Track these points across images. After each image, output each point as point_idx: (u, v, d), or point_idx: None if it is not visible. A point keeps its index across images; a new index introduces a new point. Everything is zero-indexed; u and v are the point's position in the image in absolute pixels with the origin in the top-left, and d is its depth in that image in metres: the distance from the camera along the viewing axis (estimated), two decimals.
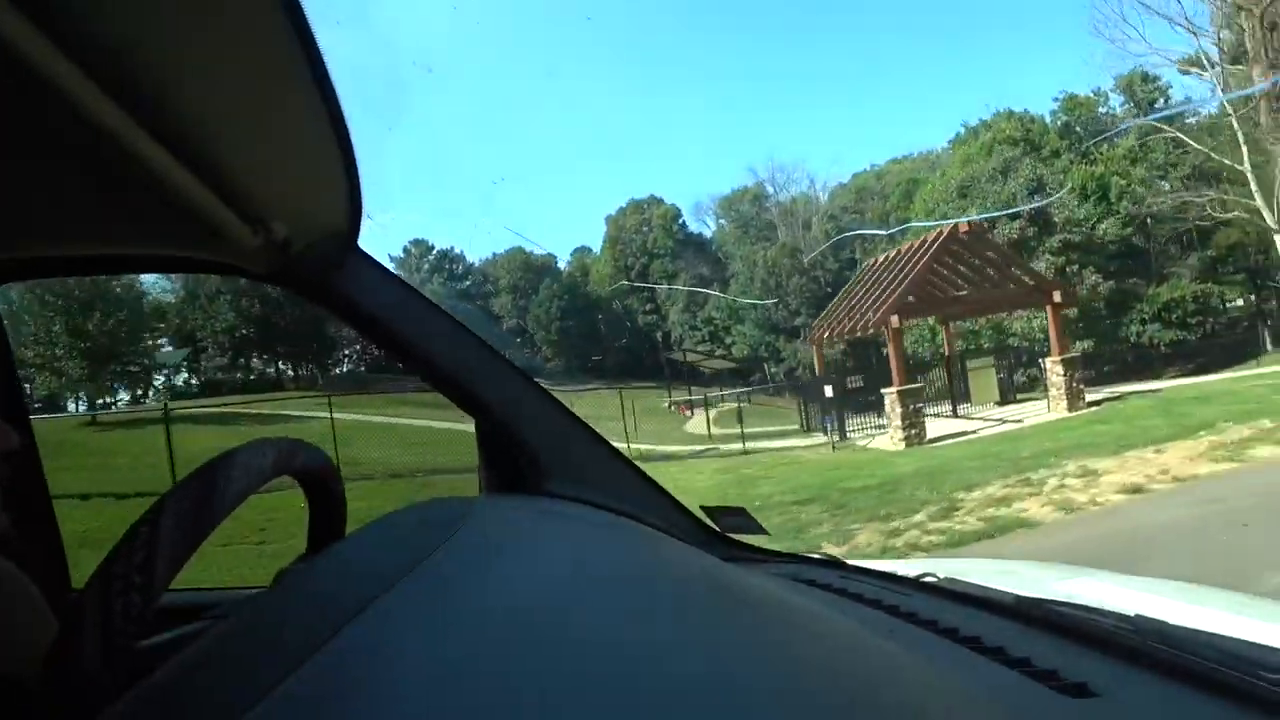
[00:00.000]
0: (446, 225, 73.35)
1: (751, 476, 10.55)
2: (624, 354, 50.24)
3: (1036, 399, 13.54)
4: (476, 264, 59.91)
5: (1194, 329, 27.58)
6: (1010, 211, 19.48)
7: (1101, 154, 26.87)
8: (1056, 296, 13.00)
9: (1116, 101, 32.16)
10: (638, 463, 1.07)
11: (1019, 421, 11.87)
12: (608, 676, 0.37)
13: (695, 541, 1.01)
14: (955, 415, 13.93)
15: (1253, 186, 14.09)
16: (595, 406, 16.94)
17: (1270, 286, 28.04)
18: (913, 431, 11.36)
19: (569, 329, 50.29)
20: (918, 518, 6.25)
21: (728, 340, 41.93)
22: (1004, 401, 14.25)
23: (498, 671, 0.38)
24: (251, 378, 41.93)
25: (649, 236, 51.55)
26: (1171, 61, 15.62)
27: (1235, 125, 14.82)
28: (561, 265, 58.48)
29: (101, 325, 24.36)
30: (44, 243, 0.82)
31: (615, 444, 1.05)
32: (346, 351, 52.05)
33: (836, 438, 13.11)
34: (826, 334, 14.59)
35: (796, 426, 16.87)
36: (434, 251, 59.46)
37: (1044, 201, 19.28)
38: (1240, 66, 15.13)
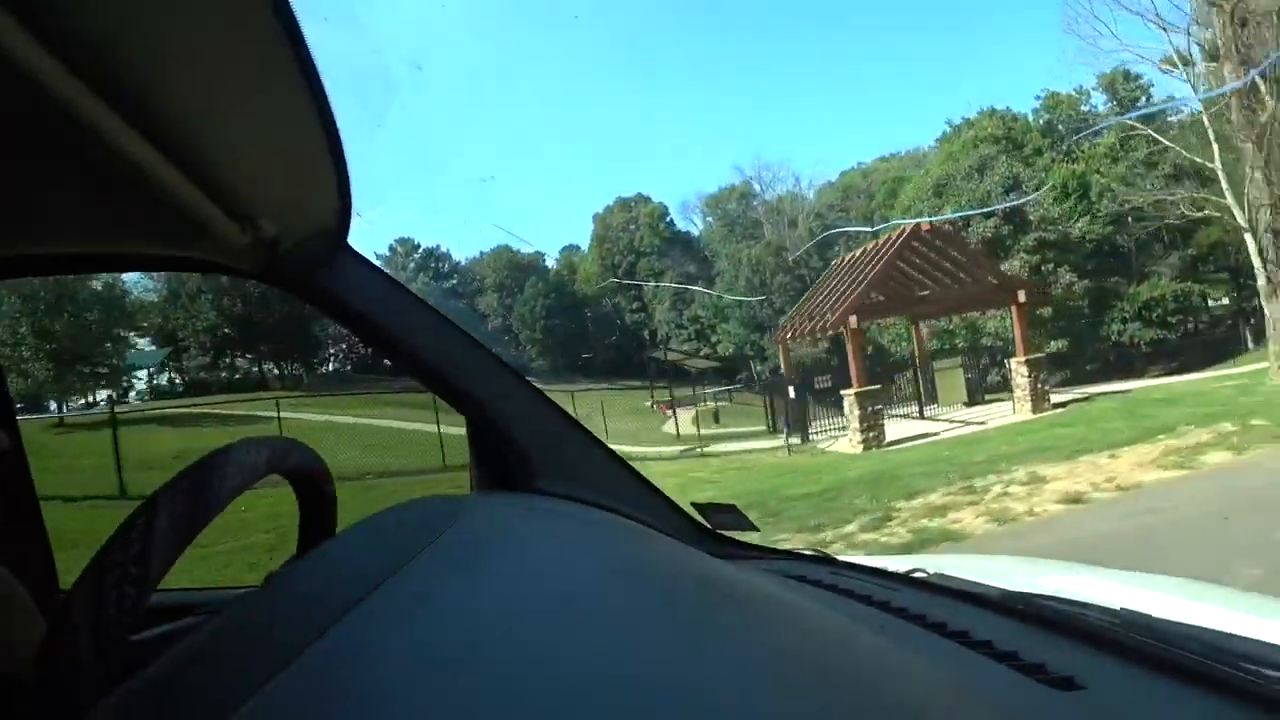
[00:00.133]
0: (435, 223, 72.94)
1: (699, 480, 10.35)
2: (613, 352, 50.09)
3: (1004, 400, 13.37)
4: (463, 262, 59.75)
5: (1174, 328, 27.55)
6: (984, 210, 19.32)
7: (1083, 152, 26.78)
8: (1021, 296, 12.77)
9: (1100, 100, 32.12)
10: None
11: (982, 424, 11.68)
12: (596, 676, 0.37)
13: (686, 539, 1.01)
14: (922, 416, 13.73)
15: (1224, 184, 13.90)
16: (579, 406, 16.74)
17: (1250, 285, 28.08)
18: (871, 434, 11.14)
19: (555, 328, 50.08)
20: (849, 528, 6.05)
21: (713, 338, 41.76)
22: (972, 402, 14.04)
23: (485, 671, 0.37)
24: (237, 377, 41.68)
25: (636, 234, 51.39)
26: (1143, 58, 15.43)
27: (1206, 123, 14.64)
28: (550, 263, 58.44)
29: (70, 326, 24.02)
30: (30, 241, 0.80)
31: None
32: (332, 351, 51.91)
33: (796, 440, 12.91)
34: (790, 334, 14.39)
35: (766, 427, 16.67)
36: (420, 249, 59.19)
37: (1020, 201, 19.12)
38: (1215, 64, 14.97)
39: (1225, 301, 29.20)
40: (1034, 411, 11.90)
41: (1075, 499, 5.94)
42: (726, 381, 35.53)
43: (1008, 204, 18.08)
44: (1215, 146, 14.16)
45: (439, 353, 0.94)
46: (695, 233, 52.36)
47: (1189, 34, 14.23)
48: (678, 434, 17.72)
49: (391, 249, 56.71)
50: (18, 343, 22.57)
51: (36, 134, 0.50)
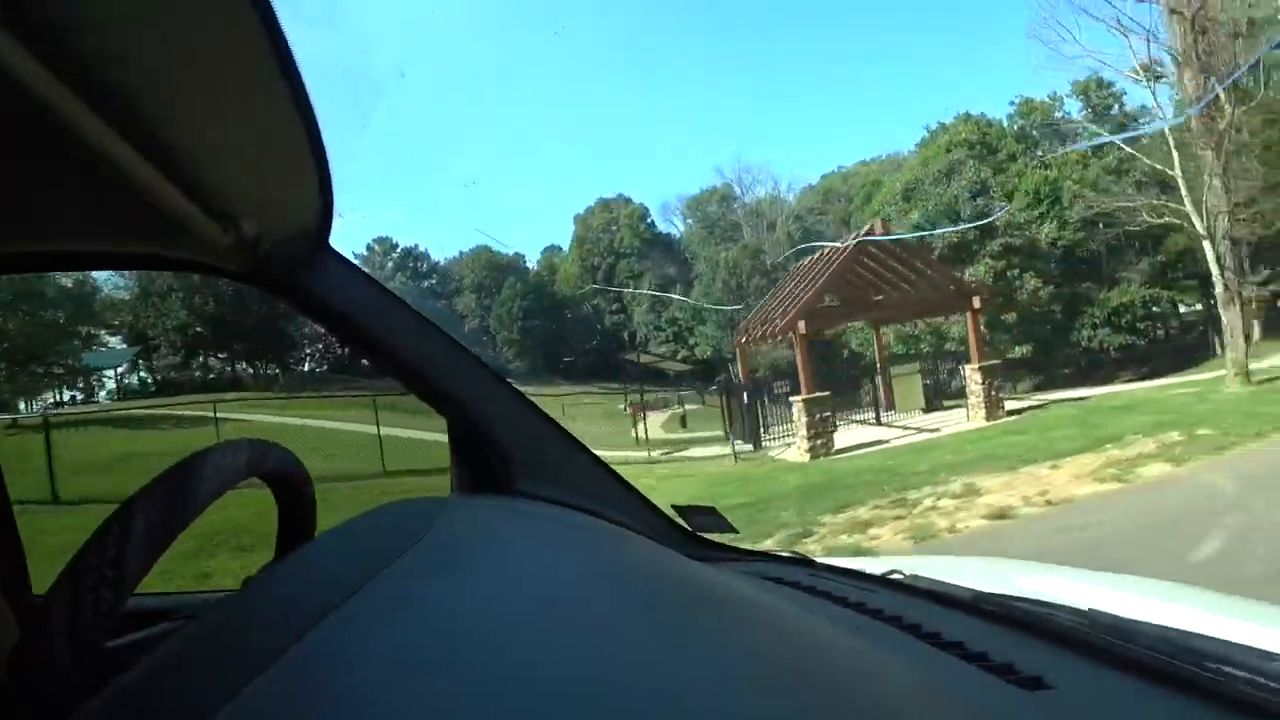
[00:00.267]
0: (413, 223, 72.26)
1: (640, 487, 10.01)
2: (594, 355, 49.80)
3: (963, 407, 13.24)
4: (442, 262, 59.20)
5: (1143, 334, 27.74)
6: (979, 222, 19.18)
7: (1055, 158, 26.85)
8: (976, 302, 12.64)
9: (1074, 106, 32.25)
10: None
11: (936, 431, 11.52)
12: (575, 680, 0.37)
13: (666, 541, 1.00)
14: (878, 423, 13.55)
15: (1183, 192, 13.87)
16: (550, 409, 16.27)
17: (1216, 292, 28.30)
18: (819, 442, 10.91)
19: (533, 329, 49.70)
20: (765, 544, 5.81)
21: (691, 341, 41.57)
22: (931, 408, 13.87)
23: (465, 674, 0.38)
24: (211, 376, 41.08)
25: (616, 236, 51.16)
26: (1107, 64, 15.37)
27: (1167, 130, 14.62)
28: (531, 264, 58.05)
29: (24, 324, 23.41)
30: (4, 239, 0.78)
31: None
32: (308, 351, 51.32)
33: (749, 447, 12.68)
34: (745, 339, 14.19)
35: (724, 434, 16.42)
36: (398, 249, 58.57)
37: (991, 217, 19.00)
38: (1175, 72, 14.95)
39: (1198, 307, 29.42)
40: (988, 419, 11.75)
41: (1002, 514, 5.75)
42: (703, 384, 35.32)
43: (985, 219, 17.86)
44: (1175, 154, 14.14)
45: (420, 354, 0.93)
46: (676, 234, 52.24)
47: (1149, 41, 14.15)
48: (638, 439, 17.46)
49: (369, 248, 56.12)
50: None
51: (16, 134, 0.50)
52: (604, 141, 71.64)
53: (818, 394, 11.30)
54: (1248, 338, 25.25)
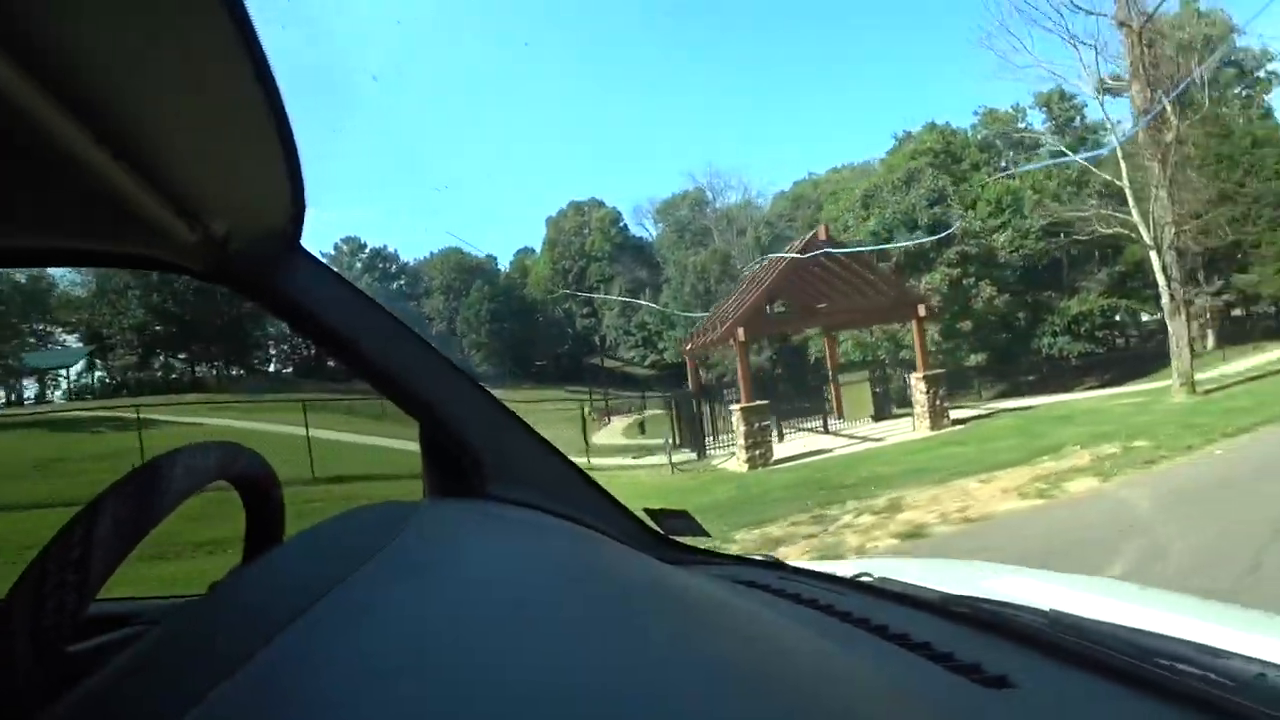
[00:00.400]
0: (387, 224, 71.29)
1: None
2: (566, 359, 49.42)
3: (911, 416, 13.12)
4: (411, 263, 58.42)
5: (1101, 342, 28.14)
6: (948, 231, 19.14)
7: (1015, 171, 27.11)
8: (921, 310, 12.52)
9: (1036, 118, 32.66)
10: None
11: (880, 440, 11.38)
12: (544, 684, 0.37)
13: (638, 544, 1.00)
14: (826, 431, 13.37)
15: (1131, 203, 13.96)
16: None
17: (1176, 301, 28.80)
18: (757, 452, 10.68)
19: (503, 331, 49.18)
20: None
21: (660, 346, 41.38)
22: (880, 417, 13.71)
23: (433, 679, 0.37)
24: (173, 376, 40.12)
25: (587, 239, 50.89)
26: (1056, 75, 15.43)
27: (1115, 141, 14.72)
28: (504, 267, 57.53)
29: None
30: None
31: None
32: (273, 352, 50.38)
33: (693, 456, 12.44)
34: (690, 345, 13.96)
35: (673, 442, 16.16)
36: (366, 249, 57.71)
37: (951, 228, 18.99)
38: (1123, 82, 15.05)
39: (1158, 316, 29.86)
40: (932, 428, 11.63)
41: (915, 533, 5.56)
42: (672, 389, 35.16)
43: (942, 226, 17.79)
44: (1123, 165, 14.22)
45: (391, 356, 0.91)
46: (648, 238, 52.11)
47: (1097, 54, 14.24)
48: (587, 445, 17.13)
49: (337, 248, 55.19)
50: None
51: None
52: (579, 144, 71.30)
53: (756, 403, 11.06)
54: (1193, 347, 25.74)
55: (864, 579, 0.95)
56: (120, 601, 1.09)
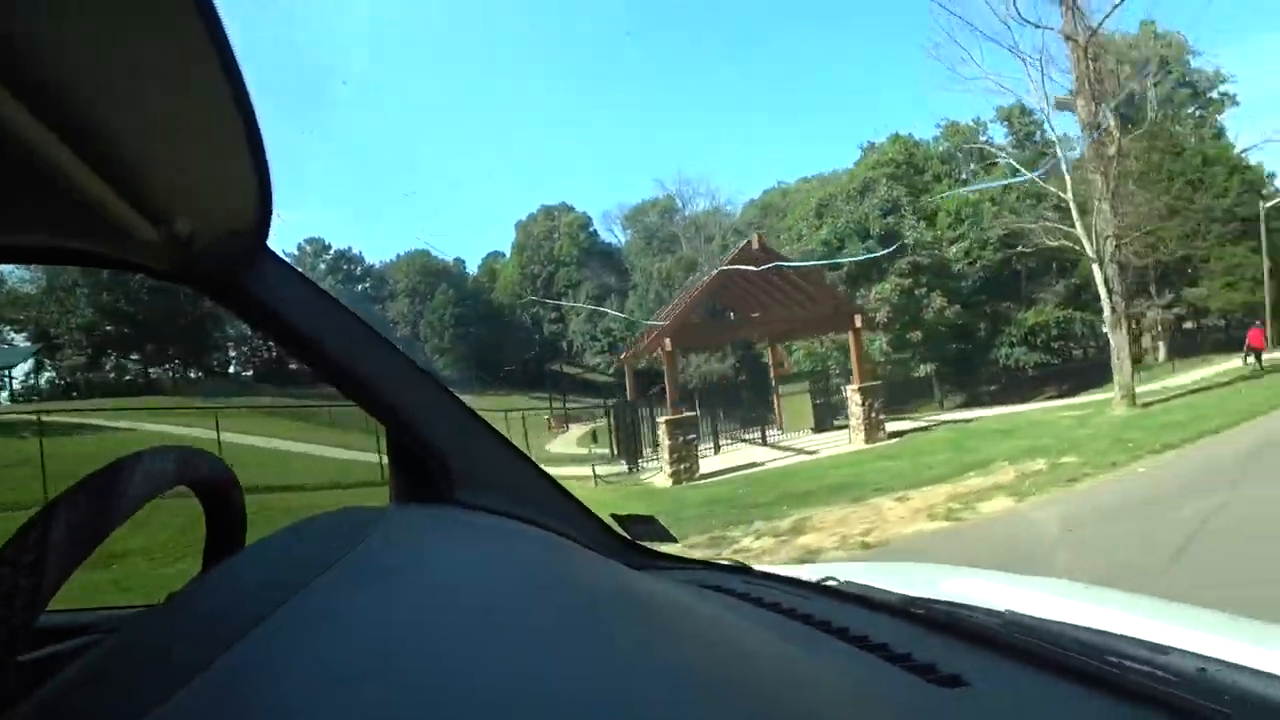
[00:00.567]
0: (354, 227, 70.03)
1: None
2: (534, 364, 48.85)
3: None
4: (377, 266, 57.47)
5: (1057, 353, 28.42)
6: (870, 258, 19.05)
7: (978, 179, 27.34)
8: (858, 321, 12.26)
9: (998, 131, 33.00)
10: None
11: (815, 453, 11.09)
12: (509, 690, 0.37)
13: (606, 550, 1.00)
14: (764, 443, 13.04)
15: (1074, 215, 13.93)
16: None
17: (1130, 313, 29.27)
18: (682, 466, 10.30)
19: (468, 336, 48.51)
20: None
21: (655, 350, 41.06)
22: (820, 428, 13.44)
23: (396, 686, 0.37)
24: (127, 378, 38.92)
25: (556, 244, 50.49)
26: (1003, 86, 15.37)
27: (1060, 153, 14.72)
28: (473, 270, 56.83)
29: None
30: None
31: None
32: (233, 354, 49.21)
33: (624, 468, 12.05)
34: (625, 355, 13.59)
35: (611, 452, 15.73)
36: (331, 250, 56.66)
37: (901, 241, 18.89)
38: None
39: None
40: (867, 441, 11.36)
41: (808, 559, 5.21)
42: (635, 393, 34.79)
43: (894, 236, 17.68)
44: (1068, 178, 14.21)
45: (358, 360, 0.89)
46: (617, 244, 51.82)
47: (1042, 66, 14.22)
48: (525, 450, 16.58)
49: (300, 249, 54.12)
50: None
51: None
52: (551, 148, 70.81)
53: (683, 415, 10.69)
54: (1144, 359, 26.04)
55: (829, 583, 0.96)
56: (75, 612, 1.03)
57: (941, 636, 0.66)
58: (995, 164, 26.84)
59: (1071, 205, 14.10)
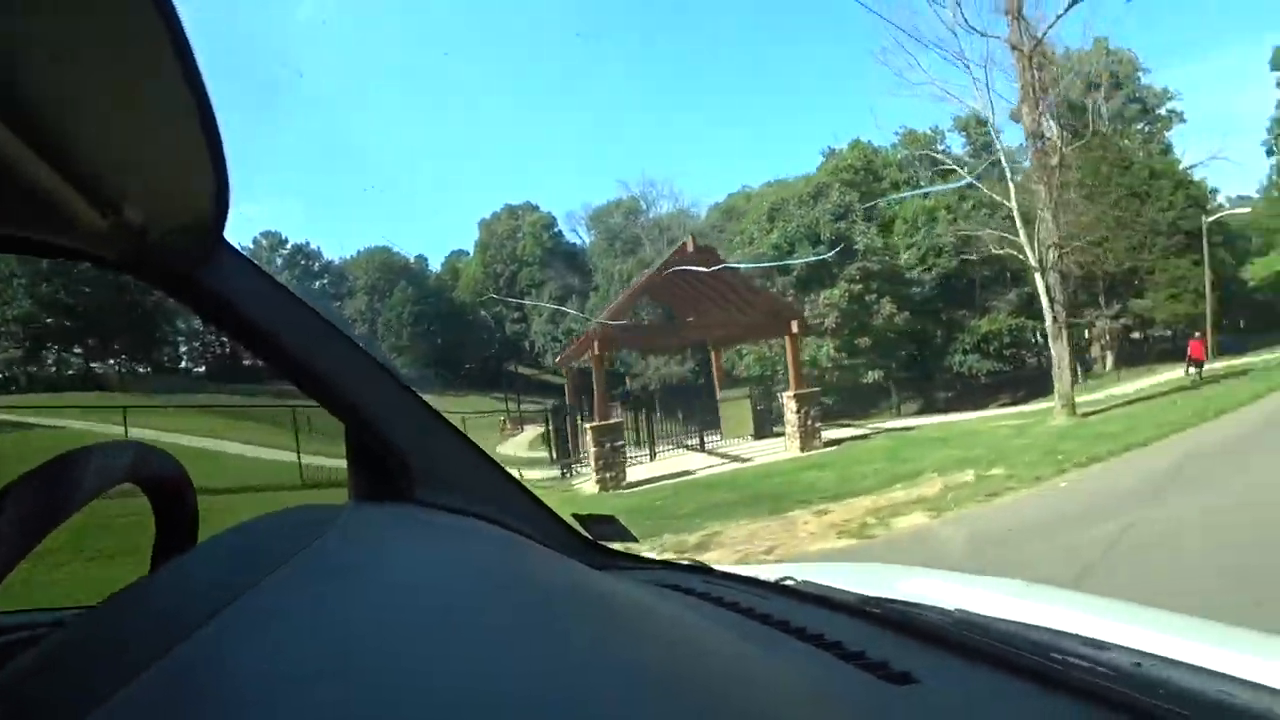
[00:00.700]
0: (314, 222, 68.31)
1: None
2: (495, 364, 48.16)
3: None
4: (336, 262, 56.17)
5: (1009, 360, 28.83)
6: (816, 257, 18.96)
7: (935, 186, 27.56)
8: (794, 326, 12.04)
9: (956, 141, 33.41)
10: None
11: (749, 461, 10.85)
12: (465, 690, 0.37)
13: (567, 550, 1.00)
14: (702, 449, 12.75)
15: (1018, 224, 13.95)
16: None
17: (1077, 324, 29.93)
18: (609, 474, 9.97)
19: (428, 334, 47.67)
20: None
21: (585, 354, 40.67)
22: (760, 435, 13.20)
23: (351, 685, 0.37)
24: (70, 373, 37.41)
25: (520, 243, 49.88)
26: (948, 93, 15.36)
27: (1004, 163, 14.76)
28: (436, 268, 55.89)
29: None
30: None
31: None
32: (184, 349, 47.74)
33: (555, 474, 11.68)
34: (562, 357, 13.23)
35: (550, 458, 15.33)
36: (288, 245, 55.24)
37: (852, 241, 18.85)
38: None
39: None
40: (803, 449, 11.15)
41: None
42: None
43: (845, 241, 17.58)
44: (1011, 187, 14.24)
45: (318, 357, 0.87)
46: (582, 245, 51.39)
47: (987, 74, 14.24)
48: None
49: (256, 242, 52.66)
50: None
51: None
52: (518, 147, 70.00)
53: (610, 421, 10.33)
54: (1092, 367, 26.52)
55: (787, 583, 0.95)
56: (18, 614, 0.99)
57: (895, 635, 0.67)
58: (953, 171, 27.18)
59: (1015, 213, 14.13)
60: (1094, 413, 13.63)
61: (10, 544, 0.46)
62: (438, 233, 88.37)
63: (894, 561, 4.99)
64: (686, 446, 12.99)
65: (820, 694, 0.53)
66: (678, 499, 8.38)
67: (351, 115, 56.62)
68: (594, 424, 10.21)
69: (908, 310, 22.66)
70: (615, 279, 38.28)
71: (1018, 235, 14.41)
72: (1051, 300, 13.71)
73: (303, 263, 55.73)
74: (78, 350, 40.00)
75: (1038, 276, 13.86)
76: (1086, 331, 30.28)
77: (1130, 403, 15.05)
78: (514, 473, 1.09)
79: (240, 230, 43.68)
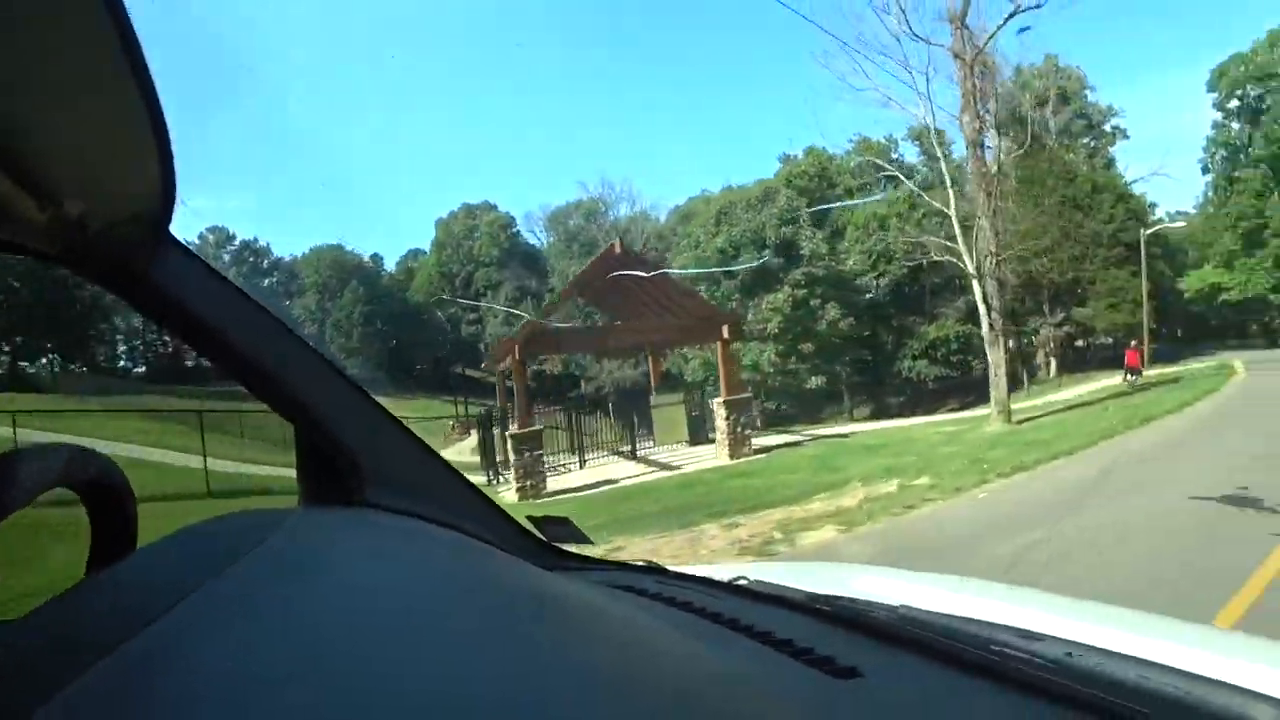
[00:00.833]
0: (264, 218, 66.14)
1: None
2: (448, 366, 47.12)
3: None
4: (286, 259, 54.43)
5: (956, 366, 29.19)
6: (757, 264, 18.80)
7: (889, 194, 27.77)
8: (725, 331, 11.73)
9: (909, 150, 33.76)
10: None
11: (678, 469, 10.51)
12: (411, 693, 0.37)
13: (520, 551, 0.99)
14: (634, 457, 12.37)
15: (956, 231, 13.94)
16: None
17: (1024, 331, 30.53)
18: (529, 483, 9.57)
19: (379, 335, 46.43)
20: None
21: (539, 356, 40.02)
22: (695, 441, 12.87)
23: (293, 689, 0.36)
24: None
25: (477, 243, 48.99)
26: (891, 99, 15.34)
27: (945, 170, 14.78)
28: (391, 268, 54.55)
29: None
30: None
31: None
32: (124, 348, 45.84)
33: (482, 481, 11.16)
34: (486, 363, 12.74)
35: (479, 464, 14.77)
36: (235, 240, 53.33)
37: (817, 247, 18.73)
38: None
39: (1011, 344, 31.37)
40: (732, 457, 10.84)
41: None
42: (544, 402, 33.75)
43: (791, 246, 17.41)
44: (951, 194, 14.24)
45: (264, 353, 0.84)
46: (540, 245, 50.73)
47: (928, 81, 14.24)
48: None
49: (202, 237, 50.63)
50: None
51: None
52: (477, 146, 68.99)
53: (529, 429, 9.88)
54: (1035, 374, 26.97)
55: (740, 582, 0.97)
56: None
57: (843, 632, 0.68)
58: (902, 179, 27.44)
59: (954, 221, 14.12)
60: (1029, 419, 13.68)
61: None
62: (396, 232, 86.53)
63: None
64: (620, 453, 12.58)
65: (769, 690, 0.54)
66: (591, 510, 7.99)
67: (308, 112, 55.00)
68: (513, 431, 9.75)
69: (854, 316, 22.65)
70: (570, 281, 37.84)
71: (959, 242, 14.46)
72: (989, 307, 13.71)
73: (251, 260, 53.92)
74: (5, 348, 37.96)
75: (975, 283, 13.86)
76: (1032, 339, 30.96)
77: (1067, 409, 15.20)
78: None
79: (188, 226, 42.07)
